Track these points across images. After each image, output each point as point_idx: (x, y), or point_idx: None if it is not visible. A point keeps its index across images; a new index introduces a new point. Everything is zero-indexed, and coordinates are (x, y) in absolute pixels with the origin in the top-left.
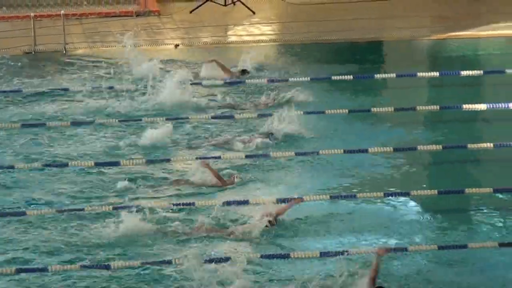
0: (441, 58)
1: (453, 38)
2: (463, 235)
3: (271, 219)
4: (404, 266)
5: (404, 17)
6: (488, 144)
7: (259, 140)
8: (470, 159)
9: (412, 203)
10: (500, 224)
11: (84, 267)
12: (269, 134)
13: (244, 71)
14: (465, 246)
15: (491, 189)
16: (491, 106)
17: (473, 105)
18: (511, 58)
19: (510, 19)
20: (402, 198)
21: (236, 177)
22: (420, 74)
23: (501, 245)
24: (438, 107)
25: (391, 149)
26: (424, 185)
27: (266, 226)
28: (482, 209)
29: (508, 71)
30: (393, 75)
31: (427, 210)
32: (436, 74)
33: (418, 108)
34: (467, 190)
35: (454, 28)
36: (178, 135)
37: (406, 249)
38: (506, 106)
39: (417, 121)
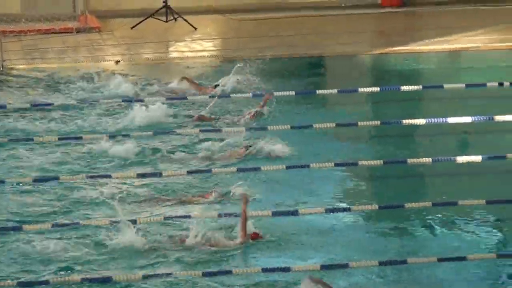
0: (381, 73)
1: (392, 53)
2: (403, 250)
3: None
4: (344, 282)
5: (344, 32)
6: (427, 159)
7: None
8: (410, 174)
9: (353, 218)
10: (439, 238)
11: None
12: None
13: (216, 86)
14: (404, 262)
15: (431, 203)
16: (430, 121)
17: (413, 120)
18: (449, 72)
19: (447, 33)
20: (342, 214)
21: (214, 192)
22: (361, 89)
23: (440, 260)
24: (379, 122)
25: (333, 164)
26: (365, 200)
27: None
28: (423, 223)
29: (446, 86)
30: (335, 90)
31: (368, 225)
32: (377, 89)
33: (359, 123)
34: (406, 205)
35: (393, 43)
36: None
37: (347, 265)
38: (445, 120)
39: (359, 136)
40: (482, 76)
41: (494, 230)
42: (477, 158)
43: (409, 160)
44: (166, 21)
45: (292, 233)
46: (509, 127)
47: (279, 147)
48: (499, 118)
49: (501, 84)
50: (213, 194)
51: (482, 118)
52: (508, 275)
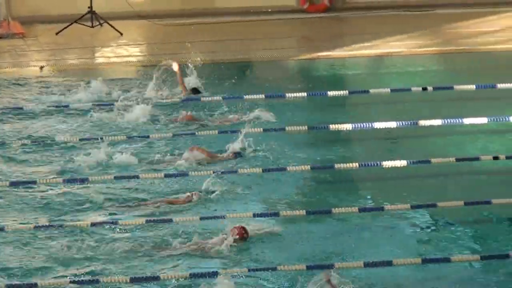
0: (307, 79)
1: (318, 59)
2: (331, 255)
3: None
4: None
5: (270, 38)
6: (354, 164)
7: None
8: (338, 179)
9: (280, 223)
10: (366, 242)
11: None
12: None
13: (195, 90)
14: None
15: (357, 208)
16: (357, 126)
17: (339, 124)
18: (374, 77)
19: (372, 39)
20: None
21: (195, 195)
22: (288, 95)
23: (366, 264)
24: (306, 127)
25: (260, 169)
26: (291, 206)
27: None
28: (350, 228)
29: (372, 91)
30: (262, 95)
31: (294, 231)
32: (304, 94)
33: (287, 128)
34: (334, 210)
35: (319, 48)
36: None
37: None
38: (371, 125)
39: (286, 142)
40: (407, 81)
41: (419, 232)
42: (402, 163)
43: (336, 165)
44: (92, 27)
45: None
46: (432, 132)
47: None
48: (423, 122)
49: (424, 89)
50: (193, 196)
51: (407, 123)
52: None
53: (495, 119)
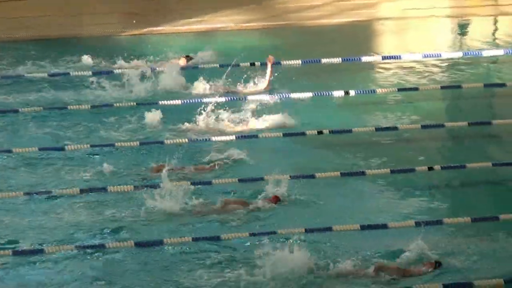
0: (135, 54)
1: (146, 34)
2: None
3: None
4: None
5: (95, 13)
6: (183, 140)
7: None
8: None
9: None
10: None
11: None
12: None
13: (188, 57)
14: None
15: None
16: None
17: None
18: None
19: (199, 14)
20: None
21: (217, 165)
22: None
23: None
24: (135, 103)
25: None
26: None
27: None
28: None
29: (201, 66)
30: (89, 72)
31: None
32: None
33: (115, 104)
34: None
35: (146, 24)
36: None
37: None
38: (198, 100)
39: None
40: (234, 56)
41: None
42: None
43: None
44: None
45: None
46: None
47: None
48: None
49: (252, 64)
50: (216, 166)
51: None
52: None
53: (319, 94)
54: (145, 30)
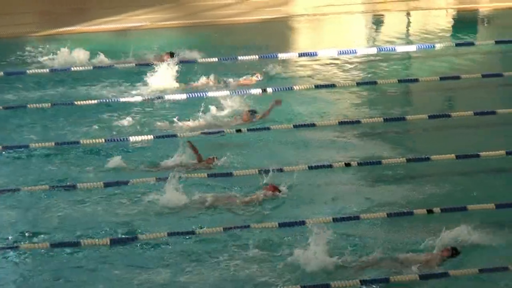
0: (48, 55)
1: (61, 34)
2: None
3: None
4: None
5: (6, 14)
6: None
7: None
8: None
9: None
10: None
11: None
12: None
13: (171, 53)
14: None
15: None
16: (103, 101)
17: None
18: (115, 52)
19: (115, 13)
20: None
21: (215, 159)
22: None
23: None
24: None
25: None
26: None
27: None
28: None
29: (118, 65)
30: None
31: None
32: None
33: (28, 106)
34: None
35: (61, 23)
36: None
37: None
38: (116, 100)
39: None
40: (151, 54)
41: None
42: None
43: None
44: None
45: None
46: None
47: None
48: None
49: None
50: (215, 159)
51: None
52: None
53: (236, 92)
54: (59, 30)
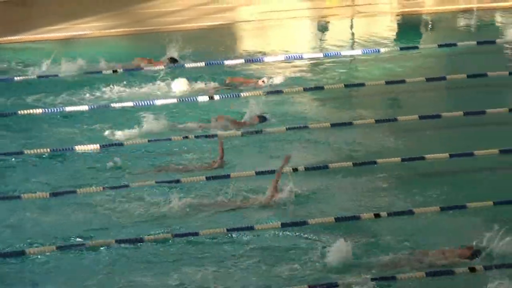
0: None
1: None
2: None
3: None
4: None
5: None
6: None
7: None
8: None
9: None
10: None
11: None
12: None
13: (172, 59)
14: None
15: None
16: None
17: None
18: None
19: (60, 21)
20: None
21: (220, 159)
22: None
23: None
24: None
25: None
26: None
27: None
28: None
29: (62, 74)
30: None
31: None
32: None
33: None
34: None
35: (1, 33)
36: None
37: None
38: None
39: None
40: (95, 62)
41: None
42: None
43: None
44: None
45: None
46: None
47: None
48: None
49: (115, 71)
50: (219, 160)
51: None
52: None
53: (185, 100)
54: (4, 38)
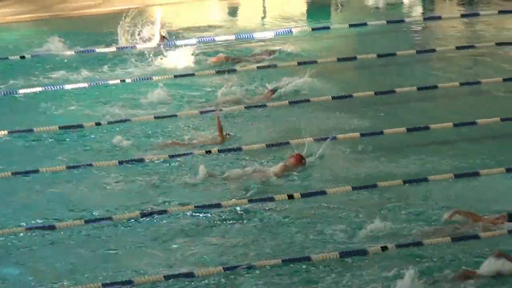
0: None
1: None
2: None
3: None
4: None
5: None
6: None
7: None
8: None
9: None
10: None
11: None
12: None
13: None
14: None
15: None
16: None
17: None
18: None
19: None
20: None
21: (228, 135)
22: None
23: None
24: None
25: None
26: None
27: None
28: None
29: None
30: None
31: None
32: None
33: None
34: None
35: None
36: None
37: None
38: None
39: None
40: (5, 50)
41: None
42: None
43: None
44: None
45: None
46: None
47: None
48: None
49: (22, 57)
50: (227, 135)
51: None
52: None
53: (95, 84)
54: None
